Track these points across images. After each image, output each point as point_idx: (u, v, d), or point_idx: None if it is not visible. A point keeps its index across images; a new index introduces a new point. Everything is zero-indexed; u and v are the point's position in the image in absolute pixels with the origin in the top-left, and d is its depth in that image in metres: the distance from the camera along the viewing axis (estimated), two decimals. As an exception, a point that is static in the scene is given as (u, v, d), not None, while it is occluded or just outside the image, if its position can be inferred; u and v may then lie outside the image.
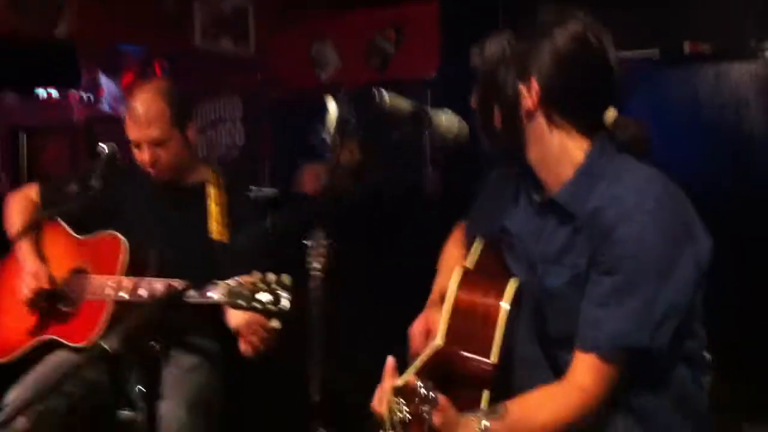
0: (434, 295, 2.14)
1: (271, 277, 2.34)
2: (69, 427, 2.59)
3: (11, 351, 2.79)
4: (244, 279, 2.37)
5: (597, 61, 1.76)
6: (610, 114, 1.79)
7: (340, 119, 1.84)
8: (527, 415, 1.69)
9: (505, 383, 1.80)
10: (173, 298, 2.28)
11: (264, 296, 2.34)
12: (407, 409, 1.41)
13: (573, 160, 1.79)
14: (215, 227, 2.79)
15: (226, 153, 5.68)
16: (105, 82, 7.09)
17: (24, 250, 2.84)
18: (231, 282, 2.39)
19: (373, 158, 4.93)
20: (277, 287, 2.34)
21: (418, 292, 2.25)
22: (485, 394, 1.73)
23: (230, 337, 2.99)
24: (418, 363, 1.80)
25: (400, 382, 1.62)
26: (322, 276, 3.04)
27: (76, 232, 2.91)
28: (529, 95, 1.76)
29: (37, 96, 7.18)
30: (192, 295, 2.44)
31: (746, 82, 3.72)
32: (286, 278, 2.34)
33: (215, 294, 2.42)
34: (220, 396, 2.82)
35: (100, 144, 2.72)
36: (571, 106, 1.77)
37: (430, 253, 2.35)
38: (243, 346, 2.57)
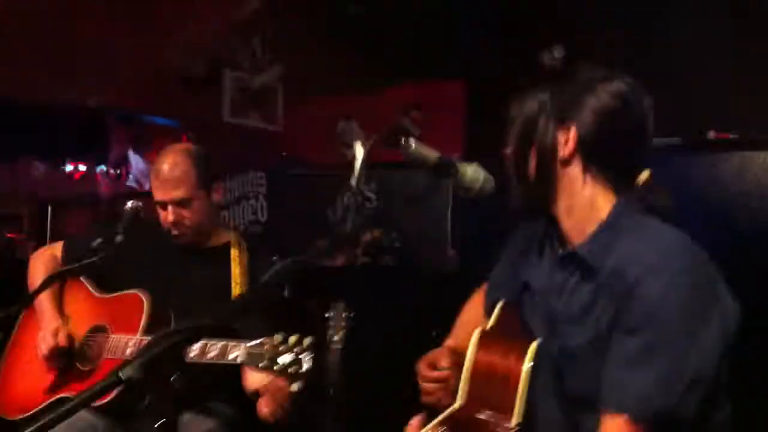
0: (443, 345, 2.12)
1: (293, 338, 2.32)
2: None
3: (27, 409, 2.76)
4: (265, 340, 2.35)
5: (636, 120, 1.79)
6: (644, 176, 1.80)
7: (363, 167, 1.83)
8: None
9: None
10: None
11: (286, 358, 2.31)
12: None
13: (599, 214, 1.79)
14: (237, 290, 2.78)
15: (248, 228, 5.71)
16: (133, 158, 7.22)
17: (43, 306, 2.83)
18: (252, 343, 2.37)
19: (393, 238, 4.98)
20: (300, 349, 2.32)
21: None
22: (508, 458, 1.69)
23: (247, 402, 2.95)
24: (437, 420, 1.78)
25: None
26: (341, 348, 3.04)
27: (98, 290, 2.90)
28: (566, 144, 1.78)
29: (65, 169, 7.33)
30: (214, 356, 2.43)
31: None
32: (307, 340, 2.32)
33: (236, 354, 2.40)
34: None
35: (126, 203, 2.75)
36: (607, 159, 1.79)
37: (448, 326, 2.32)
38: (262, 410, 2.53)
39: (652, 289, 1.63)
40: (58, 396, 2.74)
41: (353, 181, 1.82)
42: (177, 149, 2.87)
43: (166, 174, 2.78)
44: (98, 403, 2.61)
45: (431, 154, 1.85)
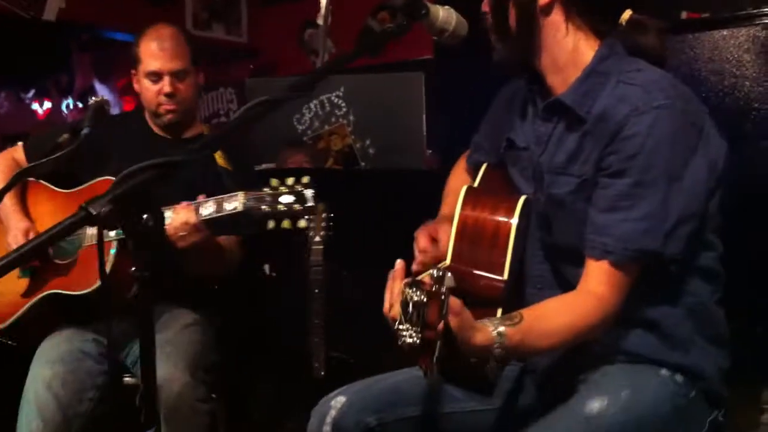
0: (441, 215, 2.09)
1: (290, 179, 2.29)
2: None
3: (6, 316, 2.67)
4: (262, 187, 2.33)
5: None
6: (626, 15, 1.76)
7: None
8: (543, 322, 1.64)
9: (518, 302, 1.75)
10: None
11: (287, 198, 2.28)
12: (422, 294, 1.35)
13: (583, 61, 1.75)
14: (220, 160, 2.72)
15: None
16: (99, 89, 7.07)
17: (7, 208, 2.74)
18: (248, 192, 2.34)
19: (366, 142, 4.93)
20: (300, 186, 2.29)
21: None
22: (498, 312, 1.67)
23: (222, 302, 2.94)
24: (426, 273, 1.75)
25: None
26: (322, 248, 3.02)
27: (63, 188, 2.81)
28: None
29: (29, 104, 7.16)
30: (211, 212, 2.39)
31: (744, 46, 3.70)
32: (305, 178, 2.29)
33: (235, 205, 2.36)
34: (217, 356, 2.74)
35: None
36: (589, 2, 1.74)
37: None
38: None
39: (635, 128, 1.60)
40: (40, 295, 2.66)
41: (319, 20, 1.76)
42: (170, 26, 2.83)
43: (166, 44, 2.74)
44: (82, 291, 2.58)
45: None
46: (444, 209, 2.09)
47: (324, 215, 2.98)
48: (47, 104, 7.11)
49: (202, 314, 2.78)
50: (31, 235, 2.66)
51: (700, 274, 1.75)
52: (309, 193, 2.28)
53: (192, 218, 2.42)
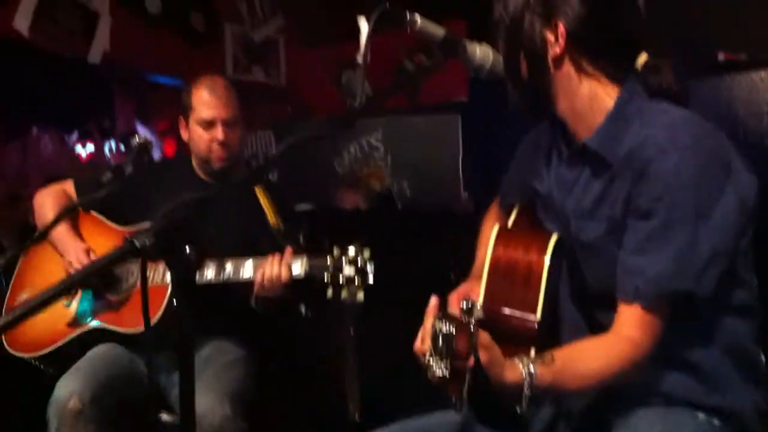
0: (474, 269, 2.09)
1: (352, 249, 2.31)
2: (114, 421, 2.55)
3: (48, 344, 2.71)
4: (325, 253, 2.35)
5: (625, 3, 1.74)
6: (642, 58, 1.76)
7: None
8: (575, 364, 1.63)
9: (553, 343, 1.73)
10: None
11: (350, 270, 2.30)
12: (451, 325, 1.35)
13: (604, 107, 1.74)
14: (272, 217, 2.76)
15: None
16: (141, 131, 7.19)
17: (63, 236, 2.79)
18: (310, 257, 2.36)
19: (404, 184, 4.96)
20: (362, 260, 2.30)
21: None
22: (532, 352, 1.67)
23: (264, 339, 2.95)
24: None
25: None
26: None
27: (114, 223, 2.87)
28: (555, 42, 1.73)
29: (73, 148, 7.30)
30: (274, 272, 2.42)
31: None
32: (367, 252, 2.31)
33: (298, 268, 2.39)
34: (256, 394, 2.75)
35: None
36: (600, 50, 1.74)
37: (466, 268, 2.28)
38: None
39: (661, 167, 1.60)
40: (87, 327, 2.69)
41: (359, 59, 1.79)
42: (222, 77, 2.96)
43: (220, 92, 2.84)
44: (132, 329, 2.61)
45: (438, 30, 1.81)
46: (476, 264, 2.10)
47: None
48: (90, 147, 7.23)
49: (246, 351, 2.81)
50: (93, 256, 2.72)
51: (734, 312, 1.74)
52: (370, 268, 2.31)
53: (285, 275, 2.45)
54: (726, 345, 1.73)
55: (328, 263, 2.34)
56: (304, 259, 2.40)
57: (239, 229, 2.72)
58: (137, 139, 2.73)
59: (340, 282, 2.33)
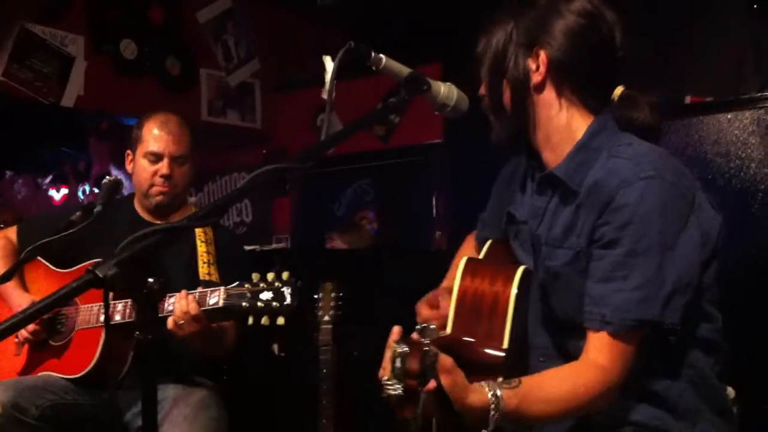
0: (440, 287, 2.10)
1: (271, 275, 2.31)
2: None
3: None
4: (243, 282, 2.35)
5: (604, 35, 1.78)
6: (617, 91, 1.80)
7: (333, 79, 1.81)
8: (542, 389, 1.63)
9: (522, 373, 1.73)
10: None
11: (267, 294, 2.30)
12: (405, 345, 1.36)
13: (576, 137, 1.78)
14: (203, 268, 2.74)
15: (235, 229, 5.69)
16: (116, 174, 7.19)
17: (9, 290, 2.77)
18: (231, 285, 2.36)
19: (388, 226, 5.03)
20: (279, 283, 2.31)
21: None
22: (500, 380, 1.66)
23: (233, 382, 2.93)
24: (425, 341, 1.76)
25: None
26: (331, 327, 3.02)
27: (57, 267, 2.86)
28: (537, 70, 1.78)
29: (46, 191, 7.27)
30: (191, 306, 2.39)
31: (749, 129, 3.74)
32: (285, 274, 2.31)
33: (216, 299, 2.38)
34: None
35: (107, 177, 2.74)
36: (580, 80, 1.78)
37: None
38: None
39: (626, 198, 1.63)
40: (34, 374, 2.69)
41: (324, 95, 1.81)
42: (176, 114, 2.93)
43: (173, 128, 2.83)
44: (75, 375, 2.60)
45: (403, 69, 1.84)
46: (445, 282, 2.11)
47: (333, 294, 2.99)
48: (64, 190, 7.22)
49: (216, 393, 2.78)
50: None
51: (700, 345, 1.75)
52: (287, 290, 2.30)
53: (193, 309, 2.41)
54: (691, 377, 1.75)
55: (246, 291, 2.34)
56: (221, 290, 2.40)
57: (164, 269, 2.69)
58: (108, 178, 2.71)
59: (259, 306, 2.32)
